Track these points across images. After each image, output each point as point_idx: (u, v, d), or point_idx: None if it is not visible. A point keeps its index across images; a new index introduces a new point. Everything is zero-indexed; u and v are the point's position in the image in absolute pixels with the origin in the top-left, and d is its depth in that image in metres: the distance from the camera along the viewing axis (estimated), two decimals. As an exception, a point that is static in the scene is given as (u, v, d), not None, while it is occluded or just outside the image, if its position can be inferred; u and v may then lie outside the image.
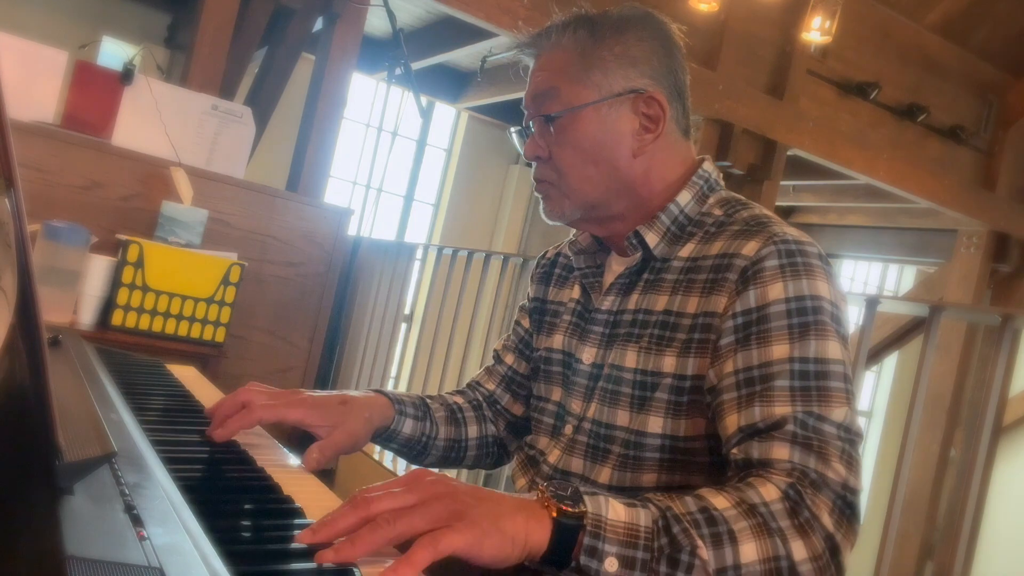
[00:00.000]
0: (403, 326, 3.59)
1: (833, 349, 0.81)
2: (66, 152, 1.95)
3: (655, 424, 0.89)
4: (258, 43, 3.75)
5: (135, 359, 1.24)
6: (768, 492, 0.73)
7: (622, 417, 0.92)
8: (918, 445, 2.81)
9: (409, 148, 6.75)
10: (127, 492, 0.55)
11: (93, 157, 1.98)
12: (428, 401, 1.12)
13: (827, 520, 0.73)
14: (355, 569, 0.59)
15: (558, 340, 1.04)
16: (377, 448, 2.69)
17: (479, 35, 4.46)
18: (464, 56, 5.20)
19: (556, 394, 1.03)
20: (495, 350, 1.20)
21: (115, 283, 1.81)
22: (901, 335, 6.54)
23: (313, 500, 0.75)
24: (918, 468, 5.15)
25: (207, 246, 2.01)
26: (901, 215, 6.54)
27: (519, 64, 1.02)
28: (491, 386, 1.18)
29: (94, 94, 2.08)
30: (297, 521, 0.69)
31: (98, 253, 1.80)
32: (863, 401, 8.79)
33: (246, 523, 0.69)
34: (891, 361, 8.66)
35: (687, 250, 0.93)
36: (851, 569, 0.79)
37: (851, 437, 0.79)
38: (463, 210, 6.77)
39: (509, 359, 1.17)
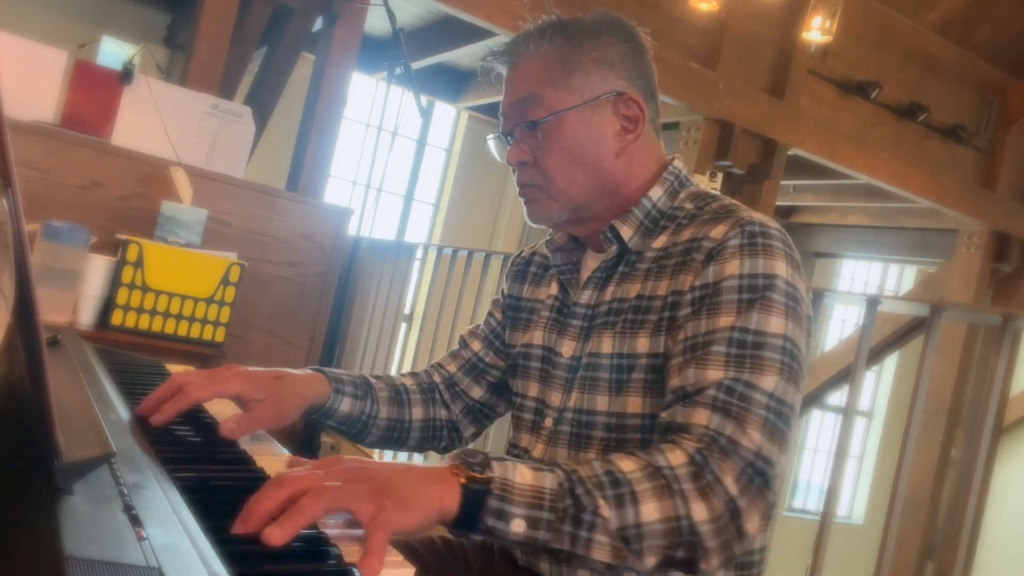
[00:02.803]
0: (403, 326, 3.59)
1: (776, 324, 0.83)
2: (65, 152, 1.95)
3: (634, 405, 0.91)
4: (258, 43, 3.74)
5: (135, 359, 1.24)
6: (675, 457, 0.77)
7: (601, 402, 0.94)
8: (918, 445, 2.81)
9: (409, 148, 6.75)
10: (126, 492, 0.55)
11: (92, 157, 1.98)
12: (372, 381, 1.13)
13: (731, 484, 0.76)
14: (354, 569, 0.59)
15: (538, 336, 1.06)
16: (376, 451, 2.69)
17: (479, 35, 4.46)
18: (464, 56, 5.20)
19: (533, 390, 1.05)
20: (462, 336, 1.22)
21: (115, 283, 1.81)
22: (901, 335, 6.52)
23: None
24: (918, 468, 5.15)
25: (207, 246, 2.01)
26: (901, 215, 6.53)
27: (491, 72, 1.04)
28: (452, 368, 1.19)
29: (94, 94, 2.07)
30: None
31: (98, 253, 1.80)
32: (863, 401, 8.80)
33: (245, 523, 0.69)
34: (891, 361, 8.66)
35: (660, 242, 0.96)
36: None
37: (780, 408, 0.81)
38: (463, 210, 6.76)
39: (476, 346, 1.19)
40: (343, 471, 0.69)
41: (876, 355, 6.96)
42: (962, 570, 1.70)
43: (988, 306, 5.54)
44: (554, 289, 1.08)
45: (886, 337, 6.50)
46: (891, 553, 1.60)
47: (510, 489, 0.72)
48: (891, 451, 8.27)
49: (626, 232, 0.97)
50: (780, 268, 0.86)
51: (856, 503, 8.95)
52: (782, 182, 5.03)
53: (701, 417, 0.80)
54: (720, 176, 4.61)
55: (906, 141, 5.54)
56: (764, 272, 0.85)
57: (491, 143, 1.06)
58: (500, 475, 0.73)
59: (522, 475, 0.73)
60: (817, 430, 8.99)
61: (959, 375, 5.45)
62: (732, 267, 0.86)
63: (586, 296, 1.01)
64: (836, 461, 1.73)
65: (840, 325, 8.78)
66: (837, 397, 7.97)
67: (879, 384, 9.10)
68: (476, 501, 0.71)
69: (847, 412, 1.77)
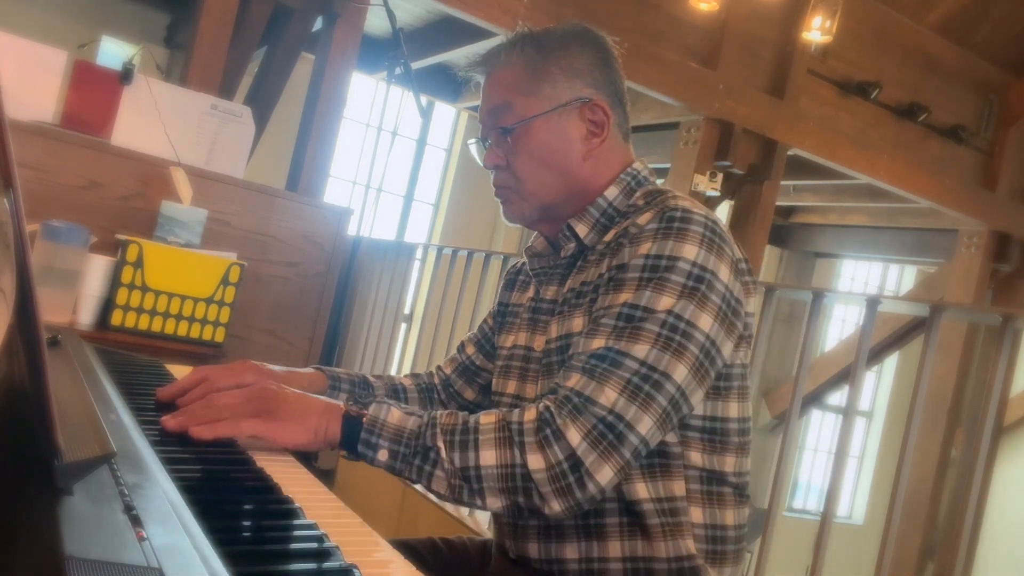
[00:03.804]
0: (403, 326, 3.59)
1: (665, 302, 0.89)
2: (65, 152, 1.95)
3: None
4: (258, 43, 3.74)
5: (135, 359, 1.24)
6: (528, 414, 0.87)
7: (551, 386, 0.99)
8: (919, 445, 2.80)
9: (409, 148, 6.75)
10: (126, 492, 0.55)
11: (92, 157, 1.98)
12: (371, 380, 1.21)
13: (574, 438, 0.83)
14: (355, 569, 0.59)
15: (522, 337, 1.11)
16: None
17: (479, 35, 4.46)
18: (464, 56, 5.18)
19: (511, 387, 1.10)
20: (461, 341, 1.30)
21: (114, 283, 1.81)
22: (902, 335, 6.53)
23: (313, 500, 0.75)
24: (919, 468, 5.15)
25: (206, 246, 2.01)
26: (902, 215, 6.53)
27: (472, 80, 1.11)
28: (448, 371, 1.28)
29: (93, 94, 2.07)
30: (297, 521, 0.69)
31: (97, 253, 1.80)
32: (864, 401, 8.80)
33: (246, 523, 0.69)
34: (892, 361, 8.67)
35: (610, 236, 1.02)
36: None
37: (650, 374, 0.86)
38: (463, 210, 6.76)
39: (470, 350, 1.27)
40: (256, 392, 0.90)
41: (876, 355, 6.96)
42: (962, 570, 1.70)
43: (988, 306, 5.54)
44: (532, 292, 1.13)
45: (886, 337, 6.50)
46: (891, 553, 1.60)
47: (378, 425, 0.88)
48: (891, 451, 8.26)
49: (582, 230, 1.03)
50: (688, 251, 0.91)
51: (856, 503, 8.95)
52: (782, 182, 5.02)
53: (570, 380, 0.88)
54: (720, 176, 4.61)
55: (906, 141, 5.53)
56: (669, 254, 0.91)
57: (472, 148, 1.13)
58: (373, 413, 0.89)
59: (393, 416, 0.89)
60: (817, 430, 8.99)
61: (959, 375, 5.45)
62: (643, 249, 0.92)
63: (551, 292, 1.07)
64: (836, 461, 1.73)
65: (840, 325, 8.78)
66: (837, 397, 7.97)
67: (879, 384, 9.10)
68: (353, 431, 0.88)
69: (847, 412, 1.77)
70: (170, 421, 0.85)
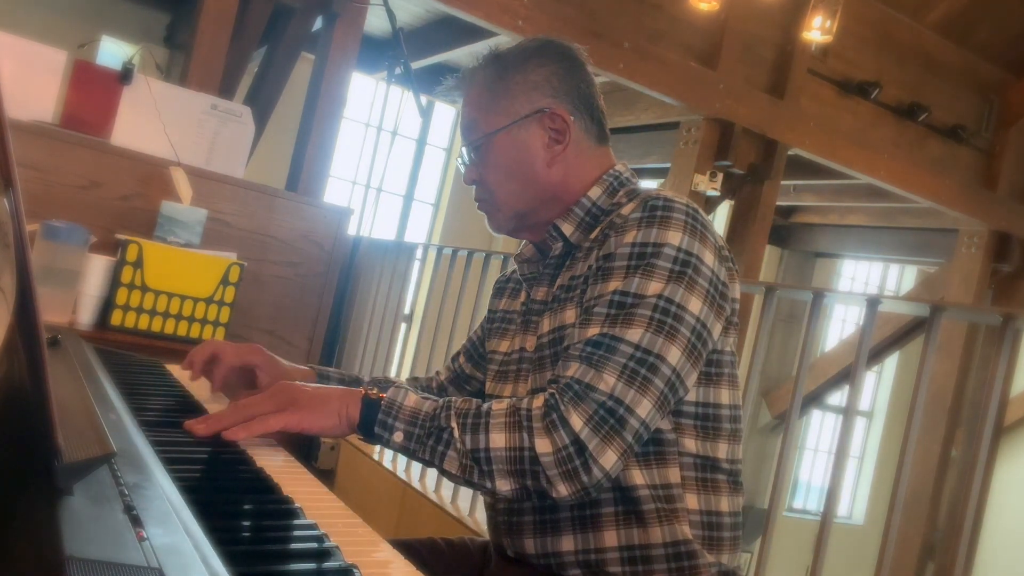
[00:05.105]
0: (403, 326, 3.59)
1: (655, 287, 0.92)
2: (65, 152, 1.95)
3: None
4: (257, 42, 3.75)
5: (134, 359, 1.24)
6: (536, 401, 0.89)
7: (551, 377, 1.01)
8: (919, 445, 2.80)
9: (409, 148, 6.75)
10: (126, 492, 0.55)
11: (92, 157, 1.98)
12: (364, 380, 1.26)
13: (577, 423, 0.86)
14: (355, 569, 0.59)
15: (516, 341, 1.13)
16: (376, 448, 2.70)
17: (479, 34, 4.45)
18: (464, 56, 5.19)
19: (507, 390, 1.12)
20: (457, 351, 1.34)
21: (114, 283, 1.81)
22: (902, 335, 6.53)
23: (313, 500, 0.75)
24: (919, 468, 5.15)
25: (206, 246, 2.01)
26: (902, 215, 6.53)
27: (450, 97, 1.17)
28: (443, 378, 1.34)
29: (93, 94, 2.07)
30: (297, 521, 0.69)
31: (97, 253, 1.80)
32: (864, 401, 8.80)
33: (246, 523, 0.69)
34: (892, 361, 8.67)
35: (595, 233, 1.04)
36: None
37: (645, 357, 0.89)
38: (463, 210, 6.76)
39: (461, 359, 1.32)
40: (277, 393, 0.93)
41: (876, 355, 6.96)
42: (962, 570, 1.70)
43: (988, 306, 5.54)
44: (524, 296, 1.15)
45: (886, 337, 6.50)
46: (891, 553, 1.60)
47: (395, 408, 0.91)
48: (891, 451, 8.27)
49: (567, 228, 1.07)
50: (672, 237, 0.94)
51: (856, 503, 8.95)
52: (782, 182, 5.02)
53: (570, 369, 0.90)
54: (720, 176, 4.61)
55: (906, 141, 5.53)
56: (654, 241, 0.93)
57: (460, 167, 1.16)
58: (390, 396, 0.92)
59: (409, 400, 0.92)
60: (817, 430, 8.99)
61: (959, 375, 5.45)
62: (628, 237, 0.95)
63: (542, 292, 1.10)
64: (836, 461, 1.73)
65: (840, 325, 8.78)
66: (837, 397, 7.97)
67: (879, 384, 9.10)
68: (372, 413, 0.91)
69: (847, 412, 1.77)
70: (198, 427, 0.87)
